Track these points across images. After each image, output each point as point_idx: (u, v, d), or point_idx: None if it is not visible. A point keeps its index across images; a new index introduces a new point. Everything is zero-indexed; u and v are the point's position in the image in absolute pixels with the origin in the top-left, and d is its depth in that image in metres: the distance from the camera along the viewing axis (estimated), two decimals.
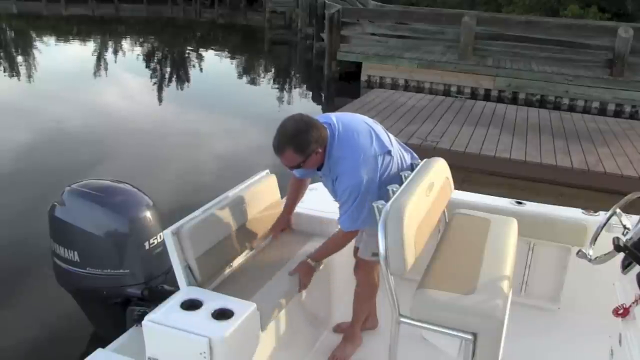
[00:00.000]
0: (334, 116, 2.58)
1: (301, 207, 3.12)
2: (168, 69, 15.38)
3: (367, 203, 2.42)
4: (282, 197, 3.11)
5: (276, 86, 13.83)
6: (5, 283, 4.12)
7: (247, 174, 2.97)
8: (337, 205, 2.59)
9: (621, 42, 11.12)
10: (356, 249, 2.89)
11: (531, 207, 3.30)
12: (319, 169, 2.58)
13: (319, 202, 3.15)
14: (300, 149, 2.38)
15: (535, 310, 3.29)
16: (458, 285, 2.22)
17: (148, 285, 2.88)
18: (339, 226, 2.60)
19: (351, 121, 2.58)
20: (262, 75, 15.62)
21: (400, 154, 2.67)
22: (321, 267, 2.74)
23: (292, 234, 3.10)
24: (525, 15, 18.38)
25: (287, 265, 2.73)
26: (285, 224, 3.05)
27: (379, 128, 2.64)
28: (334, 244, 2.69)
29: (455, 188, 2.93)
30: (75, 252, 2.84)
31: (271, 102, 11.73)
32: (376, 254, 2.21)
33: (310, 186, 3.05)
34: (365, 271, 2.82)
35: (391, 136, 2.69)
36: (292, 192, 2.98)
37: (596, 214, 3.20)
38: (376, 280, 2.86)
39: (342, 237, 2.63)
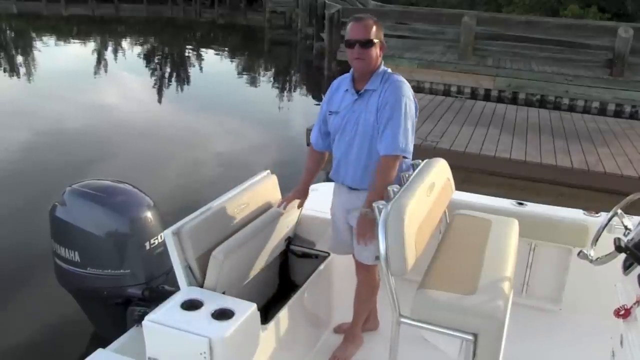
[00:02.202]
0: None
1: (303, 209, 3.12)
2: (168, 69, 15.38)
3: (409, 129, 2.51)
4: (282, 197, 3.11)
5: (276, 86, 13.83)
6: (6, 283, 4.11)
7: (248, 174, 2.97)
8: None
9: (621, 42, 11.12)
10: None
11: (532, 207, 3.29)
12: (357, 90, 2.59)
13: (319, 202, 3.15)
14: (378, 26, 2.55)
15: (536, 311, 3.28)
16: (459, 285, 2.22)
17: (148, 285, 2.88)
18: (382, 152, 2.48)
19: None
20: (262, 75, 15.61)
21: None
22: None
23: (293, 235, 3.10)
24: (525, 15, 18.38)
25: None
26: (302, 196, 2.89)
27: None
28: (387, 172, 2.48)
29: (455, 188, 2.93)
30: (76, 252, 2.83)
31: (271, 102, 11.73)
32: (379, 258, 2.20)
33: (312, 186, 3.04)
34: (366, 271, 2.81)
35: None
36: (311, 163, 2.89)
37: (597, 214, 3.19)
38: (377, 280, 2.85)
39: (386, 164, 2.48)
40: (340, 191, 2.76)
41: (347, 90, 2.65)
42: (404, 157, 2.54)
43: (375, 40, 2.53)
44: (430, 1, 23.41)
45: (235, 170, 6.95)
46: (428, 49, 13.28)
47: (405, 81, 2.60)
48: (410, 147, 2.53)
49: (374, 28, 2.52)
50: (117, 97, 11.35)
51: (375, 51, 2.55)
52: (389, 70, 2.64)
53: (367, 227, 2.49)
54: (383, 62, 2.64)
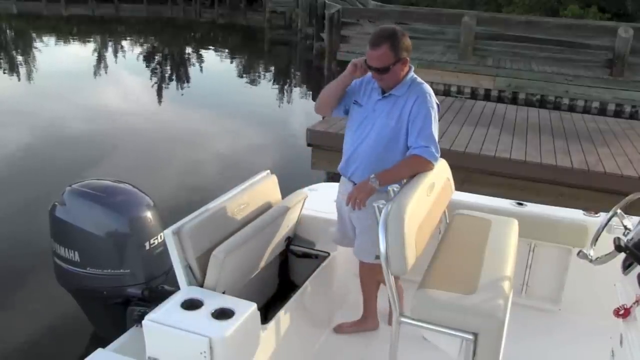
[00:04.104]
0: None
1: (303, 209, 3.12)
2: (168, 69, 15.38)
3: (436, 136, 2.54)
4: (282, 198, 3.11)
5: (276, 86, 13.83)
6: (5, 283, 4.12)
7: (248, 174, 2.97)
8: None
9: (621, 42, 11.12)
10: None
11: (532, 208, 3.30)
12: (383, 92, 2.61)
13: (320, 203, 3.15)
14: (395, 48, 2.49)
15: (536, 311, 3.29)
16: (459, 285, 2.22)
17: (148, 285, 2.88)
18: (416, 152, 2.51)
19: None
20: (262, 75, 15.61)
21: None
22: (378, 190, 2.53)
23: (293, 235, 3.10)
24: (525, 15, 18.38)
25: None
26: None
27: None
28: (405, 169, 2.55)
29: (455, 188, 2.93)
30: (76, 252, 2.83)
31: (271, 102, 11.73)
32: (379, 257, 2.21)
33: (312, 187, 3.04)
34: (369, 270, 2.82)
35: None
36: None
37: (597, 214, 3.20)
38: (380, 276, 2.86)
39: (418, 163, 2.52)
40: (347, 186, 2.75)
41: (375, 87, 2.67)
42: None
43: (394, 64, 2.51)
44: (430, 1, 23.42)
45: (235, 170, 6.95)
46: (428, 49, 13.27)
47: (431, 90, 2.64)
48: (437, 156, 2.58)
49: (391, 52, 2.49)
50: (117, 97, 11.35)
51: (396, 71, 2.55)
52: (417, 78, 2.64)
53: (361, 192, 2.48)
54: (412, 69, 2.64)
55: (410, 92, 2.57)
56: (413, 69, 2.65)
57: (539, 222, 3.18)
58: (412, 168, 2.54)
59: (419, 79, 2.64)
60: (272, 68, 16.56)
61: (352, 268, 2.92)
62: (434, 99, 2.59)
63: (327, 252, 3.04)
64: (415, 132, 2.54)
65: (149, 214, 2.92)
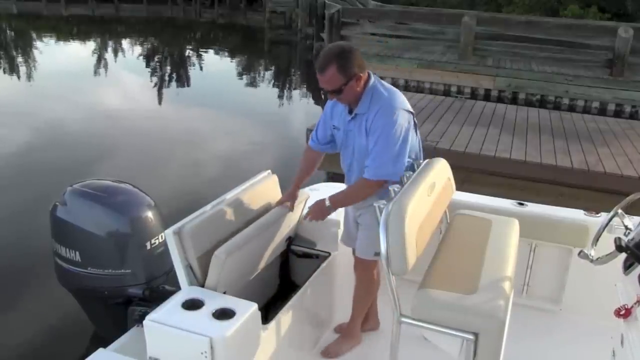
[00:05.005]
0: None
1: (304, 209, 3.12)
2: (168, 69, 15.39)
3: (399, 154, 2.46)
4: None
5: (276, 86, 13.84)
6: (6, 283, 4.12)
7: (248, 174, 2.97)
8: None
9: (621, 42, 11.12)
10: (354, 250, 2.89)
11: (532, 208, 3.30)
12: (350, 111, 2.56)
13: None
14: (343, 68, 2.39)
15: (536, 311, 3.29)
16: (459, 285, 2.22)
17: (149, 285, 2.88)
18: (363, 174, 2.52)
19: None
20: (262, 75, 15.62)
21: (417, 138, 2.69)
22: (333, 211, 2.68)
23: (294, 235, 3.10)
24: (525, 15, 18.38)
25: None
26: (292, 198, 2.83)
27: None
28: (358, 192, 2.60)
29: (456, 188, 2.93)
30: (77, 252, 2.84)
31: (271, 102, 11.74)
32: (378, 254, 2.21)
33: (313, 186, 3.04)
34: (364, 269, 2.82)
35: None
36: (305, 164, 2.88)
37: (598, 214, 3.20)
38: (375, 277, 2.86)
39: (366, 186, 2.53)
40: None
41: (344, 106, 2.64)
42: (393, 181, 2.51)
43: (344, 84, 2.42)
44: (430, 1, 23.41)
45: (235, 170, 6.95)
46: (428, 49, 13.28)
47: (395, 96, 2.51)
48: (398, 169, 2.49)
49: (339, 74, 2.40)
50: (118, 97, 11.35)
51: (350, 90, 2.46)
52: (378, 85, 2.53)
53: (317, 213, 2.64)
54: (371, 75, 2.54)
55: (371, 106, 2.49)
56: (373, 77, 2.55)
57: (539, 222, 3.19)
58: (358, 191, 2.59)
59: (381, 87, 2.52)
60: (272, 68, 16.57)
61: (352, 268, 2.92)
62: (396, 109, 2.46)
63: (328, 252, 3.04)
64: (370, 148, 2.50)
65: (149, 214, 2.92)
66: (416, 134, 2.65)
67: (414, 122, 2.60)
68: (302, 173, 2.90)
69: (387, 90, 2.53)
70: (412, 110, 2.56)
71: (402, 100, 2.53)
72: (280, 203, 2.84)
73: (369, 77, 2.54)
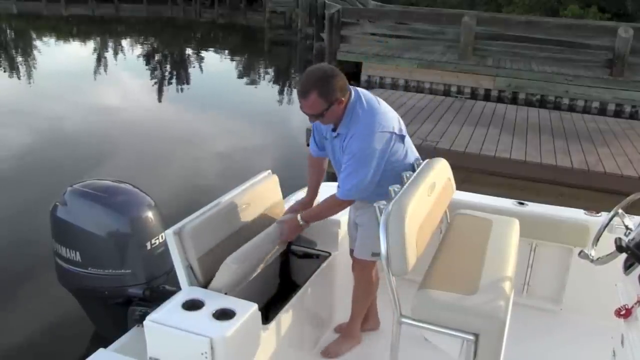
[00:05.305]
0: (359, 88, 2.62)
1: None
2: (168, 69, 15.38)
3: (370, 175, 2.44)
4: (283, 197, 3.11)
5: (276, 86, 13.83)
6: (7, 283, 4.12)
7: (249, 174, 2.97)
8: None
9: (621, 42, 11.12)
10: (352, 251, 2.88)
11: (533, 207, 3.29)
12: (334, 129, 2.55)
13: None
14: (324, 94, 2.38)
15: (537, 311, 3.29)
16: (460, 285, 2.22)
17: (149, 285, 2.88)
18: (336, 192, 2.54)
19: (375, 96, 2.62)
20: (262, 75, 15.61)
21: (409, 147, 2.68)
22: (308, 227, 2.76)
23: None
24: (525, 15, 18.37)
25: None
26: (308, 207, 2.85)
27: (398, 115, 2.67)
28: (327, 209, 2.67)
29: (456, 188, 2.93)
30: (77, 252, 2.84)
31: (271, 102, 11.74)
32: (376, 254, 2.21)
33: None
34: (362, 269, 2.82)
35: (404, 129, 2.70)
36: (312, 171, 2.89)
37: (598, 214, 3.19)
38: (373, 277, 2.86)
39: (336, 204, 2.58)
40: None
41: None
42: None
43: (326, 109, 2.41)
44: (430, 1, 23.41)
45: (235, 170, 6.95)
46: (428, 49, 13.27)
47: (373, 119, 2.45)
48: (368, 190, 2.47)
49: (321, 99, 2.37)
50: (118, 97, 11.35)
51: (332, 113, 2.45)
52: (357, 106, 2.48)
53: (291, 233, 2.71)
54: (352, 94, 2.49)
55: (350, 127, 2.48)
56: (354, 95, 2.50)
57: (540, 222, 3.18)
58: (330, 210, 2.66)
59: (360, 108, 2.47)
60: (272, 68, 16.56)
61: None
62: (371, 133, 2.42)
63: (328, 252, 3.04)
64: (343, 170, 2.51)
65: (149, 214, 2.92)
66: (403, 143, 2.60)
67: (399, 133, 2.55)
68: (313, 182, 2.92)
69: (366, 112, 2.48)
70: (392, 129, 2.51)
71: (380, 121, 2.47)
72: (292, 211, 2.86)
73: (351, 94, 2.50)
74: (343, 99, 2.44)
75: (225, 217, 2.60)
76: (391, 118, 2.55)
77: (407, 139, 2.68)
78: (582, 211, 3.23)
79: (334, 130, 2.57)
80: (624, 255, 2.23)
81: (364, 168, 2.43)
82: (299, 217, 2.68)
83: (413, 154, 2.72)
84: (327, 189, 2.97)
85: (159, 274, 2.92)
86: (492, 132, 7.73)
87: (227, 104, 11.02)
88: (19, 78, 12.87)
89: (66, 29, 22.74)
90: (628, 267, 2.25)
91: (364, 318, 3.03)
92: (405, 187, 2.36)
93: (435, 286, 2.22)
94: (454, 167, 2.89)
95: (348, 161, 2.46)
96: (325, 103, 2.40)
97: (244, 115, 10.08)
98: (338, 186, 2.55)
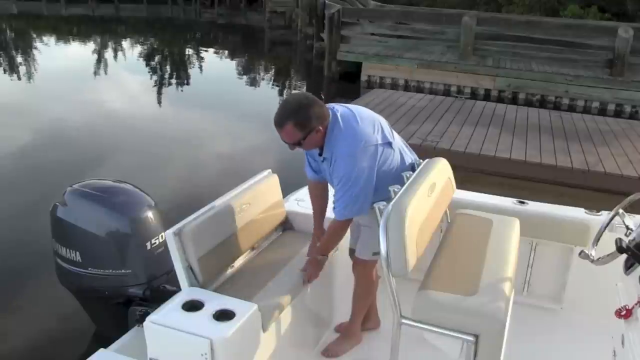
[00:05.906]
0: (337, 105, 2.59)
1: (301, 207, 3.12)
2: (168, 69, 15.38)
3: (363, 192, 2.43)
4: (283, 197, 3.11)
5: (276, 86, 13.83)
6: (7, 283, 4.11)
7: (249, 174, 2.97)
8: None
9: (621, 42, 11.12)
10: (352, 250, 2.89)
11: (533, 206, 3.29)
12: (320, 154, 2.55)
13: None
14: (300, 124, 2.37)
15: (537, 310, 3.28)
16: (460, 286, 2.22)
17: (150, 285, 2.88)
18: (335, 216, 2.55)
19: (355, 109, 2.58)
20: (262, 75, 15.61)
21: (401, 149, 2.65)
22: (328, 259, 2.76)
23: (294, 234, 3.10)
24: (525, 15, 18.37)
25: (289, 265, 2.73)
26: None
27: (383, 121, 2.63)
28: (335, 235, 2.67)
29: (456, 188, 2.93)
30: (77, 252, 2.84)
31: (271, 102, 11.74)
32: (377, 253, 2.21)
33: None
34: (363, 269, 2.82)
35: (394, 132, 2.68)
36: (314, 199, 2.86)
37: (599, 213, 3.19)
38: (374, 277, 2.86)
39: (339, 226, 2.60)
40: None
41: None
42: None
43: (303, 138, 2.40)
44: (430, 1, 23.39)
45: (236, 169, 6.94)
46: (428, 49, 13.26)
47: (352, 139, 2.42)
48: (364, 205, 2.47)
49: (297, 129, 2.37)
50: (118, 97, 11.34)
51: (309, 140, 2.43)
52: (335, 129, 2.44)
53: (316, 271, 2.71)
54: (331, 117, 2.46)
55: (333, 150, 2.47)
56: (331, 117, 2.46)
57: (540, 221, 3.18)
58: (335, 234, 2.66)
59: (336, 128, 2.44)
60: (272, 68, 16.56)
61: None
62: (354, 154, 2.40)
63: None
64: (335, 192, 2.51)
65: (150, 214, 2.92)
66: (392, 149, 2.56)
67: (384, 142, 2.52)
68: (317, 209, 2.88)
69: (343, 132, 2.44)
70: (375, 141, 2.47)
71: (361, 137, 2.43)
72: (311, 248, 2.85)
73: (332, 112, 2.47)
74: (321, 127, 2.42)
75: (226, 217, 2.59)
76: (371, 131, 2.49)
77: (397, 141, 2.64)
78: (582, 210, 3.23)
79: (320, 154, 2.57)
80: (624, 255, 2.23)
81: (354, 188, 2.42)
82: (317, 255, 2.71)
83: (407, 154, 2.70)
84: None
85: (159, 273, 2.92)
86: (492, 132, 7.74)
87: (227, 104, 11.02)
88: (19, 78, 12.86)
89: (66, 29, 22.73)
90: (628, 267, 2.26)
91: (364, 317, 3.03)
92: (405, 187, 2.36)
93: (436, 287, 2.21)
94: (454, 167, 2.89)
95: (338, 184, 2.46)
96: (302, 133, 2.39)
97: (244, 115, 10.07)
98: (334, 208, 2.54)
